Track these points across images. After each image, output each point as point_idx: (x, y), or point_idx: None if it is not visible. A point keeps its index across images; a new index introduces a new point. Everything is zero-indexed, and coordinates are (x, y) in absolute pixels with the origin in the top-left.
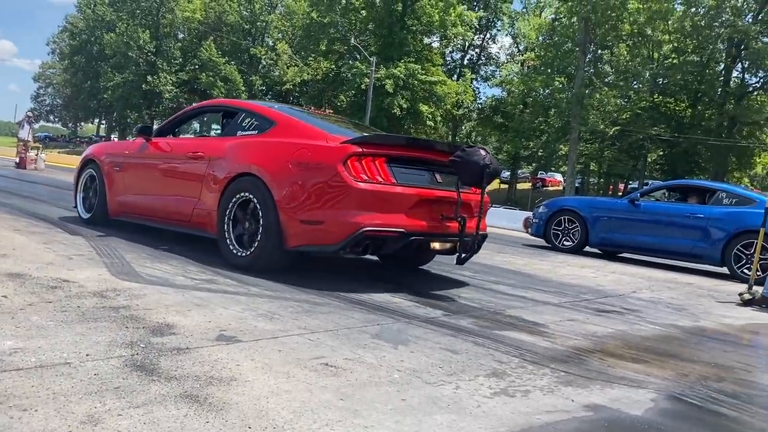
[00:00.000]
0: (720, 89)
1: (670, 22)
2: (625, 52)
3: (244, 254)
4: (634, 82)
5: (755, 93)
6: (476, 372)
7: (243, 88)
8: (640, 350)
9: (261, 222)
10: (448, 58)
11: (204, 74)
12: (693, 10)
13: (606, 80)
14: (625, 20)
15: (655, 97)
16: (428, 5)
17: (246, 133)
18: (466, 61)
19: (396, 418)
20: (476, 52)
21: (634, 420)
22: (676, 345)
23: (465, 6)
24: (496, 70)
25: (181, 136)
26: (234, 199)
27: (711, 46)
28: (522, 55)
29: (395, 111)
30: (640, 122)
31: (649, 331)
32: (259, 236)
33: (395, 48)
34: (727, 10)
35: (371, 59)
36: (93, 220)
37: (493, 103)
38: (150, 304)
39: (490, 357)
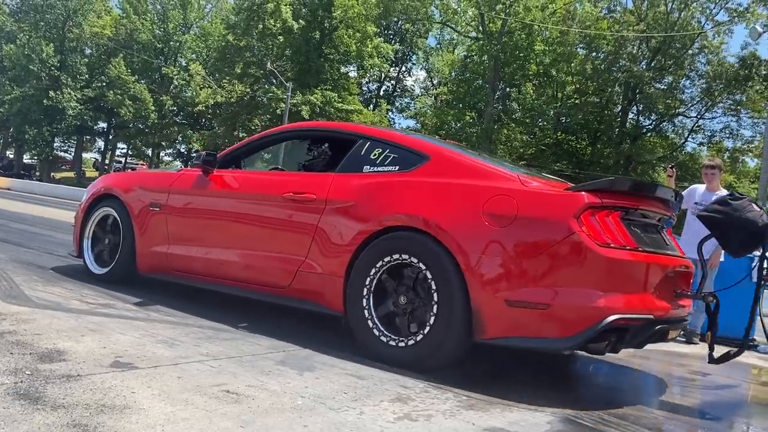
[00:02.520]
0: (617, 129)
1: (572, 65)
2: (532, 91)
3: (400, 344)
4: (540, 120)
5: (648, 134)
6: (381, 397)
7: (153, 108)
8: (537, 374)
9: (435, 299)
10: (365, 88)
11: (112, 92)
12: (594, 54)
13: (513, 117)
14: (531, 61)
15: (558, 134)
16: (346, 35)
17: (381, 169)
18: (382, 92)
19: None
20: (392, 84)
21: None
22: (571, 370)
23: (382, 38)
24: (411, 102)
25: (246, 168)
26: (381, 264)
27: (609, 89)
28: (436, 88)
29: None
30: (544, 158)
31: (548, 356)
32: (432, 320)
33: (312, 75)
34: (624, 56)
35: (287, 84)
36: (111, 276)
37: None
38: (39, 329)
39: (395, 382)
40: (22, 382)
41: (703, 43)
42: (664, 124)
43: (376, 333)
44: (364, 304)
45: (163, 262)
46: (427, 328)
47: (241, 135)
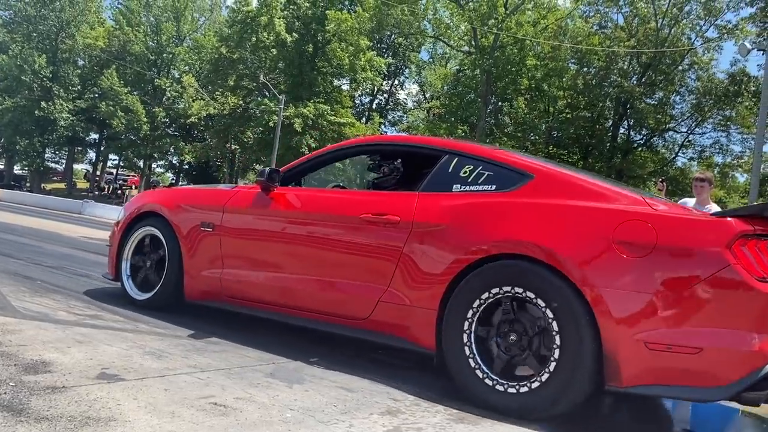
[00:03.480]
0: (608, 144)
1: (564, 80)
2: (523, 105)
3: (510, 390)
4: (531, 134)
5: (639, 149)
6: (371, 410)
7: (145, 119)
8: None
9: (557, 341)
10: (357, 101)
11: (104, 103)
12: (585, 69)
13: (505, 131)
14: (523, 75)
15: (550, 148)
16: (339, 49)
17: (474, 188)
18: (374, 105)
19: None
20: (385, 97)
21: None
22: None
23: (374, 52)
24: (403, 116)
25: (305, 186)
26: (485, 296)
27: (601, 104)
28: (428, 102)
29: (304, 150)
30: None
31: None
32: (553, 365)
33: (305, 88)
34: (615, 71)
35: (280, 97)
36: (154, 302)
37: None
38: (25, 340)
39: (385, 395)
40: (5, 393)
41: (693, 59)
42: (655, 138)
43: (480, 375)
44: (465, 341)
45: (215, 288)
46: (547, 374)
47: (233, 147)
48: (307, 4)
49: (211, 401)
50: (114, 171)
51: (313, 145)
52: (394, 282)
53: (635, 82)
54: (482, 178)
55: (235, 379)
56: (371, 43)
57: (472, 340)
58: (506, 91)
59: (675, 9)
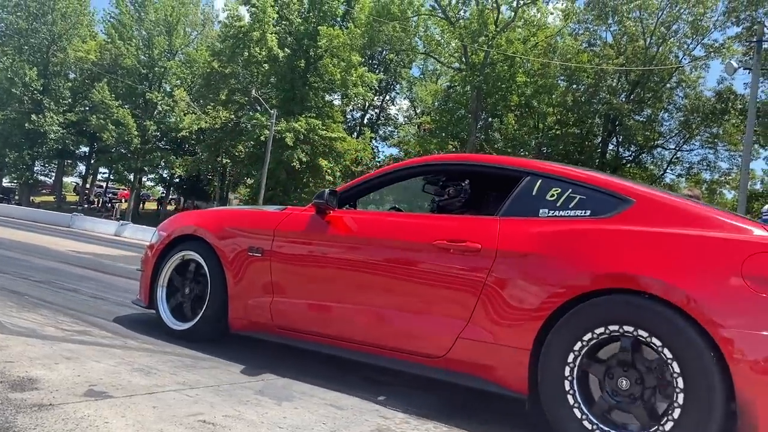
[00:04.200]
0: (598, 160)
1: (554, 96)
2: (513, 122)
3: None
4: (521, 150)
5: (628, 165)
6: (360, 428)
7: (136, 133)
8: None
9: (680, 386)
10: (349, 116)
11: (95, 116)
12: (574, 86)
13: (496, 146)
14: (513, 92)
15: None
16: (330, 64)
17: (566, 213)
18: (366, 120)
19: None
20: (376, 112)
21: None
22: None
23: (366, 68)
24: (394, 131)
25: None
26: (590, 337)
27: (590, 121)
28: (419, 117)
29: (294, 164)
30: None
31: None
32: (676, 414)
33: (297, 103)
34: (604, 88)
35: (272, 112)
36: (195, 333)
37: (391, 161)
38: (12, 357)
39: (375, 413)
40: None
41: (681, 77)
42: (644, 155)
43: (588, 426)
44: (567, 388)
45: (263, 318)
46: (670, 424)
47: (224, 161)
48: (300, 20)
49: (199, 419)
50: (104, 184)
51: (303, 159)
52: (476, 317)
53: (624, 99)
54: (573, 203)
55: (224, 396)
56: (363, 59)
57: (575, 387)
58: (496, 108)
59: (663, 28)
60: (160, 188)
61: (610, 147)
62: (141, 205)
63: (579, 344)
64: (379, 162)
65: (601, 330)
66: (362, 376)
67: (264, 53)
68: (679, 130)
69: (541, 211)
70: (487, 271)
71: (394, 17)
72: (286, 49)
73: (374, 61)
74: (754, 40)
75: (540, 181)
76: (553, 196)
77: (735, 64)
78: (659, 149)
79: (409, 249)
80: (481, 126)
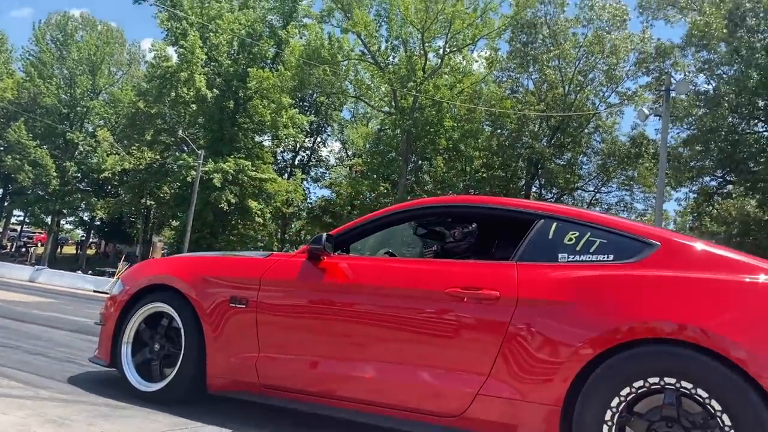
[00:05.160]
0: None
1: (480, 140)
2: (442, 164)
3: None
4: (450, 192)
5: None
6: None
7: (55, 174)
8: None
9: None
10: (279, 157)
11: (10, 157)
12: (499, 131)
13: (425, 188)
14: (441, 136)
15: None
16: (260, 106)
17: (587, 258)
18: (297, 162)
19: None
20: (307, 154)
21: None
22: None
23: (297, 110)
24: (326, 172)
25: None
26: (628, 391)
27: (514, 164)
28: (350, 159)
29: (223, 206)
30: None
31: None
32: None
33: (225, 143)
34: (527, 133)
35: (199, 152)
36: (167, 394)
37: (323, 203)
38: None
39: None
40: None
41: (598, 122)
42: (565, 197)
43: None
44: None
45: (248, 377)
46: None
47: (148, 202)
48: (229, 62)
49: None
50: (18, 227)
51: (232, 200)
52: (496, 371)
53: (545, 143)
54: (594, 247)
55: None
56: (293, 101)
57: None
58: (425, 151)
59: (580, 76)
60: (79, 231)
61: (534, 189)
62: (59, 249)
63: (617, 400)
64: (311, 203)
65: (639, 383)
66: (295, 422)
67: (192, 93)
68: (597, 173)
69: (560, 255)
70: (507, 320)
71: (325, 61)
72: (214, 90)
73: (305, 103)
74: (663, 89)
75: (555, 224)
76: (571, 240)
77: (646, 111)
78: (579, 191)
79: (419, 298)
80: (411, 168)
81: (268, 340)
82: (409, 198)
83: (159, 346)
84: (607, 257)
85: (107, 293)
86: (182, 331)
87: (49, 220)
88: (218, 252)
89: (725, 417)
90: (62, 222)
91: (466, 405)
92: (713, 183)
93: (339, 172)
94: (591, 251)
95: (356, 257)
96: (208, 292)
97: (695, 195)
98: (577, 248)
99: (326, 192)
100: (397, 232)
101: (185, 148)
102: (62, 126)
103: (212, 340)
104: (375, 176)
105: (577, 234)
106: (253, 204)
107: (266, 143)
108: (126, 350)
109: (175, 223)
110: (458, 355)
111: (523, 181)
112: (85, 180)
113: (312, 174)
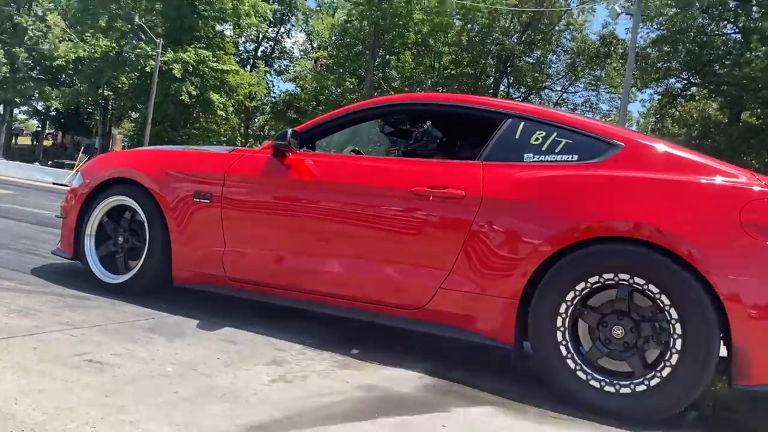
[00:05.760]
0: None
1: (449, 35)
2: (410, 60)
3: (623, 390)
4: (418, 89)
5: None
6: (255, 361)
7: (4, 60)
8: (414, 339)
9: (678, 332)
10: (242, 48)
11: None
12: (469, 26)
13: (393, 85)
14: (410, 29)
15: None
16: None
17: (552, 158)
18: (259, 53)
19: (166, 410)
20: (270, 45)
21: (403, 396)
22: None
23: None
24: (290, 65)
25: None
26: (583, 286)
27: (483, 61)
28: (315, 52)
29: (183, 98)
30: None
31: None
32: (675, 360)
33: (185, 32)
34: (497, 29)
35: (158, 41)
36: (132, 286)
37: (287, 97)
38: None
39: (271, 346)
40: None
41: (569, 20)
42: (533, 96)
43: (583, 377)
44: (560, 339)
45: (215, 270)
46: (667, 369)
47: (106, 93)
48: None
49: (86, 358)
50: None
51: (193, 93)
52: (458, 266)
53: (516, 40)
54: (560, 147)
55: (111, 335)
56: None
57: (567, 337)
58: (393, 45)
59: None
60: (34, 122)
61: (502, 88)
62: (13, 140)
63: (572, 294)
64: (274, 97)
65: (595, 279)
66: (257, 311)
67: None
68: (565, 73)
69: (526, 155)
70: (471, 219)
71: None
72: None
73: None
74: None
75: (523, 124)
76: (538, 140)
77: (618, 9)
78: (547, 90)
79: (385, 196)
80: (378, 63)
81: (234, 234)
82: (376, 94)
83: (123, 239)
84: (572, 157)
85: (67, 186)
86: (146, 224)
87: (1, 109)
88: (181, 146)
89: (672, 311)
90: (15, 111)
91: (428, 298)
92: (678, 85)
93: (304, 65)
94: (556, 151)
95: (322, 154)
96: (172, 186)
97: (660, 96)
98: (543, 148)
99: (291, 86)
100: (364, 129)
101: (143, 37)
102: (8, 8)
103: (177, 234)
104: (341, 71)
105: (544, 134)
106: (215, 97)
107: (228, 33)
108: (89, 243)
109: (134, 115)
110: (422, 251)
111: (492, 79)
112: (38, 68)
113: (276, 67)
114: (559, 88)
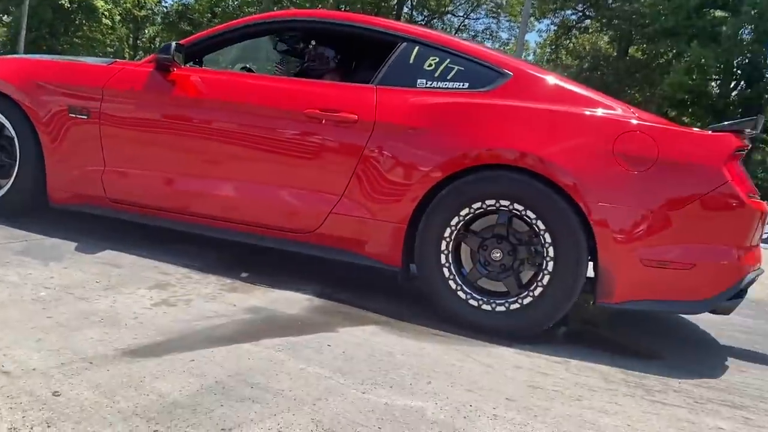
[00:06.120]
0: None
1: None
2: None
3: (499, 308)
4: (320, 6)
5: None
6: (138, 285)
7: None
8: (306, 263)
9: (551, 255)
10: None
11: None
12: None
13: (295, 1)
14: None
15: None
16: None
17: (444, 85)
18: None
19: (38, 336)
20: None
21: (290, 317)
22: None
23: None
24: None
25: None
26: (467, 211)
27: None
28: None
29: (63, 2)
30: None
31: None
32: (546, 280)
33: None
34: None
35: None
36: (2, 207)
37: (180, 8)
38: None
39: (155, 269)
40: None
41: None
42: (435, 21)
43: (463, 296)
44: (443, 262)
45: (94, 191)
46: (539, 289)
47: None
48: None
49: None
50: None
51: None
52: (350, 191)
53: None
54: (452, 74)
55: None
56: None
57: (451, 260)
58: None
59: None
60: None
61: (405, 10)
62: None
63: (456, 219)
64: (166, 7)
65: (478, 205)
66: (141, 235)
67: None
68: None
69: (419, 81)
70: (363, 144)
71: None
72: None
73: None
74: None
75: (417, 48)
76: (431, 65)
77: None
78: (449, 15)
79: (275, 117)
80: None
81: (115, 154)
82: (276, 9)
83: None
84: (463, 85)
85: None
86: (15, 140)
87: None
88: (56, 56)
89: (547, 235)
90: None
91: (319, 222)
92: (573, 17)
93: None
94: (448, 78)
95: (209, 70)
96: (44, 99)
97: (556, 27)
98: (436, 74)
99: None
100: (260, 46)
101: None
102: None
103: (51, 151)
104: None
105: (437, 60)
106: (99, 3)
107: None
108: None
109: (6, 19)
110: (314, 175)
111: (395, 1)
112: None
113: None
114: (462, 14)
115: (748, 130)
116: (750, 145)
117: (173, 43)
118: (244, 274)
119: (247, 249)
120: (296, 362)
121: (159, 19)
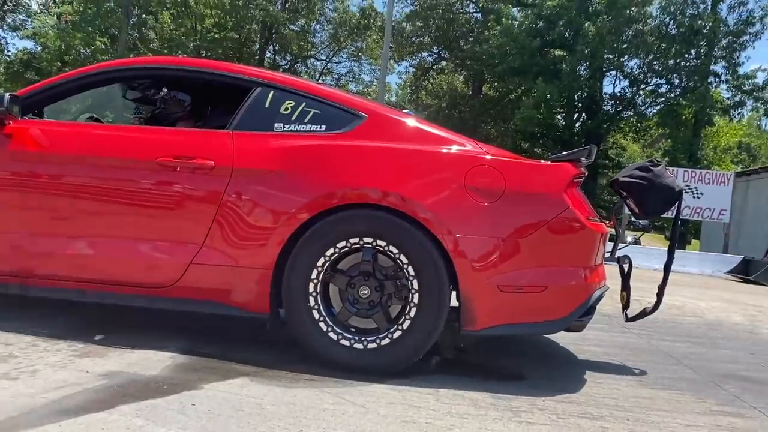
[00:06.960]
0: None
1: None
2: (169, 21)
3: (370, 345)
4: (179, 51)
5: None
6: None
7: None
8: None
9: (415, 287)
10: None
11: None
12: None
13: (151, 46)
14: None
15: None
16: None
17: (301, 128)
18: None
19: None
20: None
21: (150, 378)
22: None
23: None
24: (27, 20)
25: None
26: (332, 251)
27: (248, 26)
28: (58, 7)
29: None
30: None
31: None
32: (413, 313)
33: None
34: None
35: None
36: None
37: (25, 56)
38: None
39: None
40: None
41: None
42: (299, 65)
43: (334, 337)
44: (312, 304)
45: None
46: (407, 322)
47: None
48: None
49: None
50: None
51: None
52: (210, 240)
53: (280, 7)
54: (309, 117)
55: None
56: None
57: (320, 301)
58: (150, 3)
59: None
60: None
61: (268, 55)
62: None
63: (322, 260)
64: (9, 56)
65: (342, 244)
66: None
67: None
68: (329, 42)
69: (276, 125)
70: (222, 190)
71: None
72: None
73: None
74: None
75: (273, 93)
76: (287, 109)
77: None
78: (312, 60)
79: (126, 167)
80: (134, 23)
81: None
82: (132, 56)
83: None
84: (320, 127)
85: None
86: None
87: None
88: None
89: (410, 268)
90: None
91: (179, 274)
92: (430, 59)
93: (44, 21)
94: (305, 121)
95: (51, 122)
96: None
97: (414, 69)
98: (293, 118)
99: (29, 44)
100: (110, 96)
101: None
102: None
103: None
104: (90, 28)
105: (293, 104)
106: None
107: None
108: None
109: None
110: (171, 225)
111: (258, 45)
112: None
113: (9, 21)
114: (324, 58)
115: (584, 159)
116: (586, 172)
117: (7, 95)
118: (98, 337)
119: (102, 310)
120: (155, 427)
121: (1, 69)
